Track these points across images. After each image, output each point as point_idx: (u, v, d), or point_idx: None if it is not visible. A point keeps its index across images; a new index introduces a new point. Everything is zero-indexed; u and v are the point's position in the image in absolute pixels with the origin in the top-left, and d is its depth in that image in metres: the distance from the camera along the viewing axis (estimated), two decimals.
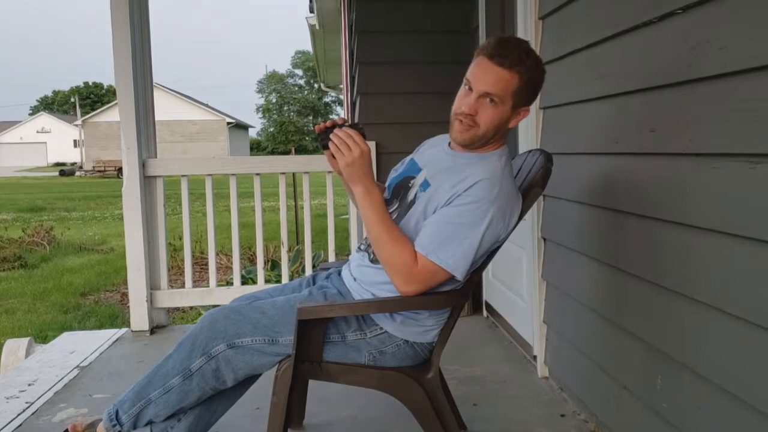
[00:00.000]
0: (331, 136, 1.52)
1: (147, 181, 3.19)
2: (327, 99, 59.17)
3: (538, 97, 2.39)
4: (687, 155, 1.46)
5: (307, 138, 57.27)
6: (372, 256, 1.64)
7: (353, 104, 4.30)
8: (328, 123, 1.56)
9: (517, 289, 2.84)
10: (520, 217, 1.60)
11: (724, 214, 1.32)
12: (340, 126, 1.54)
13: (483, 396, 2.34)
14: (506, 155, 1.62)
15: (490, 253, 1.61)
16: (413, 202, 1.62)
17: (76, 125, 45.84)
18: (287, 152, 40.83)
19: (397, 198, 1.69)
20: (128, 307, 3.31)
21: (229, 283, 3.56)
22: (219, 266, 6.15)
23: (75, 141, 50.69)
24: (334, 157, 1.54)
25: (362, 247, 1.74)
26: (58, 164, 48.97)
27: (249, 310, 1.61)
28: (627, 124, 1.76)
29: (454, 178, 1.55)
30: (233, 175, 3.32)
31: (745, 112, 1.25)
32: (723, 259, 1.34)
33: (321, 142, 1.55)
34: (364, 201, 1.54)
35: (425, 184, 1.62)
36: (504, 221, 1.53)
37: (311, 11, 6.97)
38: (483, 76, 1.52)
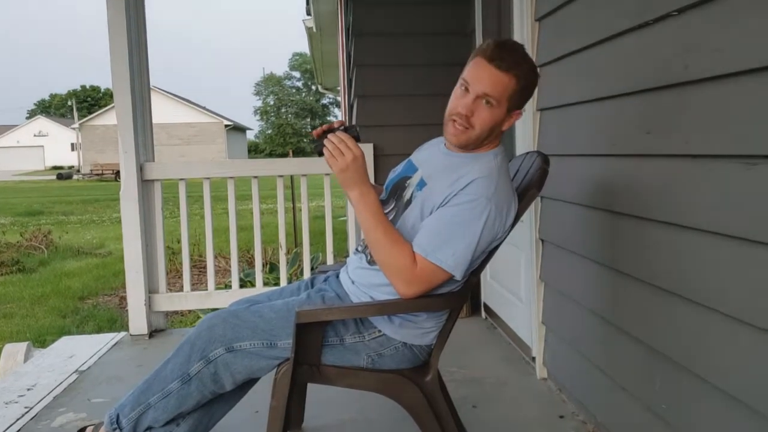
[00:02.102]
0: (324, 141, 1.53)
1: (145, 184, 3.19)
2: (325, 101, 59.17)
3: (535, 99, 2.43)
4: (683, 157, 1.47)
5: (304, 140, 57.22)
6: (369, 257, 1.64)
7: (350, 106, 4.30)
8: (324, 127, 1.56)
9: (516, 291, 2.84)
10: (517, 218, 1.60)
11: (721, 216, 1.33)
12: (335, 130, 1.54)
13: (482, 398, 2.34)
14: (501, 155, 1.62)
15: (488, 254, 1.61)
16: (409, 201, 1.62)
17: (74, 128, 45.77)
18: (285, 154, 40.78)
19: (393, 198, 1.70)
20: (127, 310, 3.31)
21: (228, 287, 3.56)
22: (217, 269, 6.11)
23: (72, 144, 50.62)
24: None
25: (360, 248, 1.74)
26: (55, 168, 48.89)
27: (247, 314, 1.61)
28: (623, 126, 1.76)
29: (450, 177, 1.56)
30: (231, 178, 3.32)
31: (741, 114, 1.26)
32: (720, 260, 1.35)
33: (316, 148, 1.56)
34: (359, 205, 1.54)
35: (421, 184, 1.62)
36: (501, 219, 1.53)
37: (308, 14, 6.97)
38: (482, 77, 1.52)
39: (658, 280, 1.59)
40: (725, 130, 1.31)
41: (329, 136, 1.53)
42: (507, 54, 1.51)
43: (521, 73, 1.52)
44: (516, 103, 1.56)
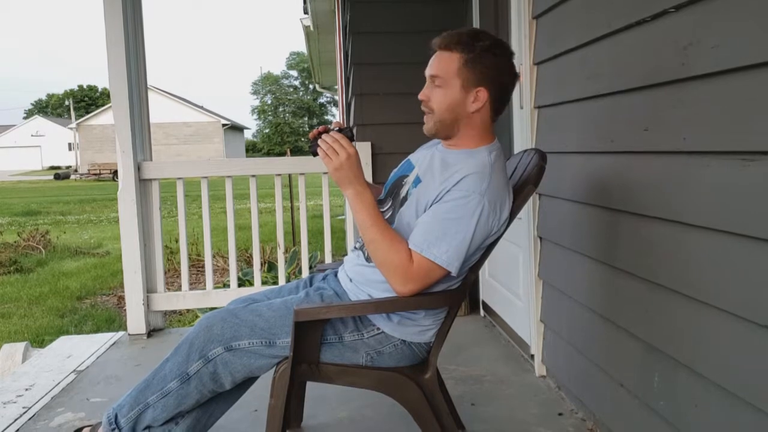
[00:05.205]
0: (318, 141, 1.54)
1: (142, 184, 3.18)
2: (322, 100, 59.17)
3: (533, 96, 2.43)
4: (680, 153, 1.47)
5: (302, 139, 57.19)
6: (367, 254, 1.64)
7: (348, 105, 4.30)
8: (320, 128, 1.58)
9: (514, 289, 2.84)
10: (513, 215, 1.60)
11: (718, 212, 1.33)
12: (330, 131, 1.56)
13: (481, 395, 2.34)
14: (497, 151, 1.62)
15: (486, 250, 1.61)
16: (405, 198, 1.63)
17: (71, 128, 45.65)
18: (283, 153, 40.77)
19: (391, 196, 1.71)
20: (125, 310, 3.31)
21: (226, 286, 3.55)
22: (215, 268, 6.14)
23: (70, 144, 50.54)
24: None
25: (357, 245, 1.74)
26: (52, 168, 48.78)
27: (245, 312, 1.61)
28: (621, 123, 1.76)
29: (444, 174, 1.56)
30: (229, 177, 3.32)
31: (738, 111, 1.26)
32: (717, 256, 1.35)
33: (311, 149, 1.57)
34: (355, 203, 1.55)
35: (416, 181, 1.63)
36: (495, 214, 1.53)
37: (305, 12, 6.97)
38: (429, 63, 1.61)
39: (656, 277, 1.59)
40: (722, 127, 1.31)
41: (323, 136, 1.55)
42: (447, 35, 1.58)
43: (462, 48, 1.55)
44: (469, 78, 1.56)
